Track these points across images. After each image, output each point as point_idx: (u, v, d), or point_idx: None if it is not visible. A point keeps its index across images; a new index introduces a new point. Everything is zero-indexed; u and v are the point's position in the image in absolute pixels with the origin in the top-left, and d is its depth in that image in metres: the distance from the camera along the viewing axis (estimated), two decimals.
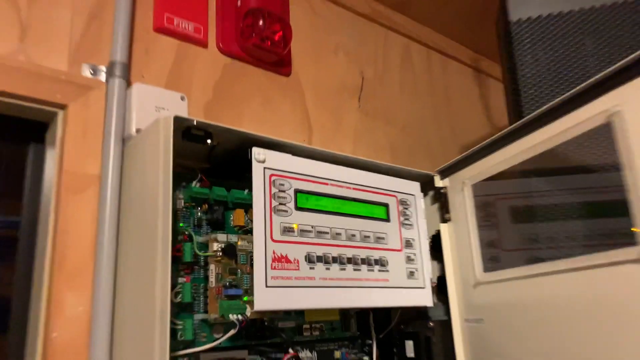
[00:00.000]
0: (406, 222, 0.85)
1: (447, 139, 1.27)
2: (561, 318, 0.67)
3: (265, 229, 0.66)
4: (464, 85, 1.39)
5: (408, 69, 1.22)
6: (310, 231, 0.71)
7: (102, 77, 0.72)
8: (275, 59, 0.90)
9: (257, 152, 0.68)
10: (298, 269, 0.68)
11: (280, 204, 0.69)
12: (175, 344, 0.62)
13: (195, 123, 0.62)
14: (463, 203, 0.84)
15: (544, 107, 0.70)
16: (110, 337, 0.63)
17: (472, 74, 1.42)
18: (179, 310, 0.64)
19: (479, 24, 1.31)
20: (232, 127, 0.65)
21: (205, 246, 0.68)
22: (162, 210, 0.59)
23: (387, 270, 0.79)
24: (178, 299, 0.64)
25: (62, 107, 0.69)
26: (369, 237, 0.78)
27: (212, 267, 0.67)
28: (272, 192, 0.69)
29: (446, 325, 0.86)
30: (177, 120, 0.61)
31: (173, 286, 0.62)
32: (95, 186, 0.68)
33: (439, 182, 0.90)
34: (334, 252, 0.73)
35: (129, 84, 0.73)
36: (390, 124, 1.13)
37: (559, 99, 0.68)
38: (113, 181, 0.67)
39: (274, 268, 0.65)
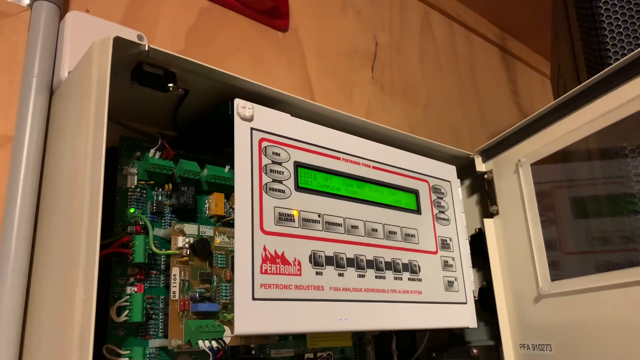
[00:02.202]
0: (441, 215, 0.64)
1: (476, 125, 1.06)
2: None
3: (253, 215, 0.45)
4: (491, 66, 1.20)
5: (428, 39, 1.02)
6: (316, 221, 0.50)
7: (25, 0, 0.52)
8: (269, 6, 0.70)
9: (241, 105, 0.47)
10: (299, 274, 0.47)
11: (275, 180, 0.48)
12: None
13: (147, 49, 0.41)
14: (517, 190, 0.64)
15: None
16: None
17: (499, 55, 1.22)
18: (126, 333, 0.45)
19: None
20: (207, 64, 0.45)
21: (166, 242, 0.49)
22: (90, 179, 0.38)
23: (420, 279, 0.58)
24: (123, 317, 0.44)
25: None
26: (395, 233, 0.58)
27: (175, 271, 0.47)
28: (263, 164, 0.48)
29: (493, 352, 0.66)
30: (119, 44, 0.40)
31: (117, 298, 0.45)
32: (4, 152, 0.47)
33: (480, 166, 0.70)
34: (350, 251, 0.52)
35: (63, 12, 0.52)
36: (410, 102, 0.92)
37: None
38: (32, 145, 0.46)
39: (265, 272, 0.45)
